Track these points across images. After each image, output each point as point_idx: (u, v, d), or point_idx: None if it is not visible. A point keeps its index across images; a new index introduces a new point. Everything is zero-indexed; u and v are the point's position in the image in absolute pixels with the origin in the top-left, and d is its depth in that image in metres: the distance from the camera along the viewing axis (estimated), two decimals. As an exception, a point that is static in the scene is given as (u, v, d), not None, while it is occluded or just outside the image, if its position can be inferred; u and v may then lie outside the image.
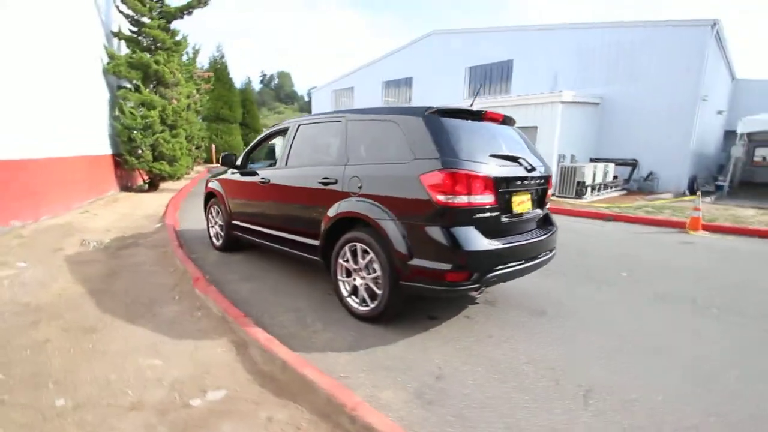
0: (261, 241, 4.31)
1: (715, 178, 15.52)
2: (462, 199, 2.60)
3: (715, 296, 3.78)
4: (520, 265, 2.92)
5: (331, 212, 3.25)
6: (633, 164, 14.57)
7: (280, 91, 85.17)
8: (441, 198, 2.59)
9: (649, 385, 2.31)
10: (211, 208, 5.27)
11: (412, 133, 2.84)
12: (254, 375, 2.30)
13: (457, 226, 2.64)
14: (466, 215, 2.65)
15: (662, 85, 13.81)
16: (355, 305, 3.17)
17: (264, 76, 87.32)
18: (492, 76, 18.29)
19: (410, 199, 2.74)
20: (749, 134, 13.59)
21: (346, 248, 3.17)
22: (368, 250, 2.98)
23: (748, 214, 8.52)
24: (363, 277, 3.08)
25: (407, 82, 21.65)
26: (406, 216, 2.76)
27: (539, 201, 3.30)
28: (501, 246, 2.74)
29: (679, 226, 7.27)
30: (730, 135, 18.80)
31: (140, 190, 10.68)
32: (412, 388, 2.24)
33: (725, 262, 5.14)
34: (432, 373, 2.40)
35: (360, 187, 3.05)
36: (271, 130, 4.48)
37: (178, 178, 11.04)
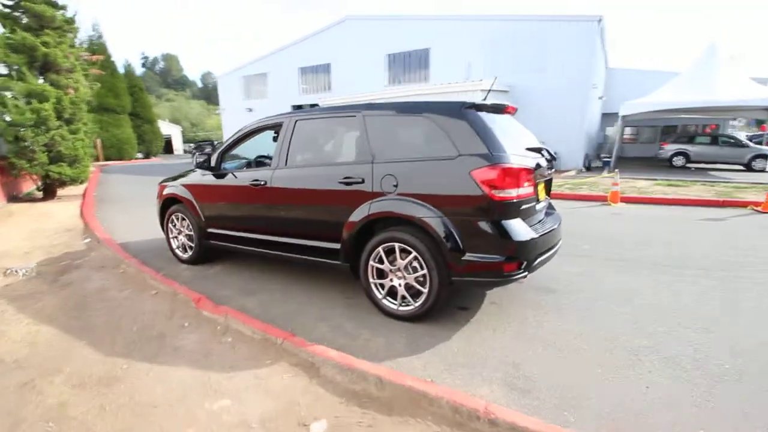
0: (254, 249, 3.93)
1: (598, 156, 18.19)
2: (513, 193, 2.70)
3: (666, 257, 4.52)
4: (549, 252, 3.14)
5: (360, 213, 3.10)
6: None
7: (166, 76, 76.47)
8: (495, 193, 2.65)
9: (670, 335, 2.72)
10: (173, 217, 4.62)
11: (453, 129, 2.83)
12: (346, 397, 2.15)
13: (508, 219, 2.74)
14: (515, 207, 2.77)
15: (561, 73, 15.56)
16: (393, 306, 3.11)
17: (146, 58, 77.40)
18: (411, 63, 18.74)
19: (460, 196, 2.75)
20: (623, 116, 16.12)
21: (380, 249, 3.07)
22: (409, 249, 2.93)
23: (644, 185, 10.22)
24: (403, 277, 3.03)
25: (325, 68, 21.10)
26: (455, 212, 2.77)
27: (548, 189, 3.57)
28: (539, 234, 2.92)
29: (601, 199, 8.44)
30: (605, 117, 22.14)
31: (32, 199, 8.86)
32: (500, 380, 2.30)
33: (653, 226, 6.13)
34: (506, 362, 2.50)
35: (396, 186, 2.96)
36: (255, 125, 4.05)
37: (82, 182, 9.39)
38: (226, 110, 25.70)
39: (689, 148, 16.34)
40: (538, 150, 3.22)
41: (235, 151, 4.33)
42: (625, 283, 3.81)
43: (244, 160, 4.72)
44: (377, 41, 19.05)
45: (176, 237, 4.70)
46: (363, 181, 3.10)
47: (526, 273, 2.85)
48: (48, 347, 2.64)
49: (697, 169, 15.33)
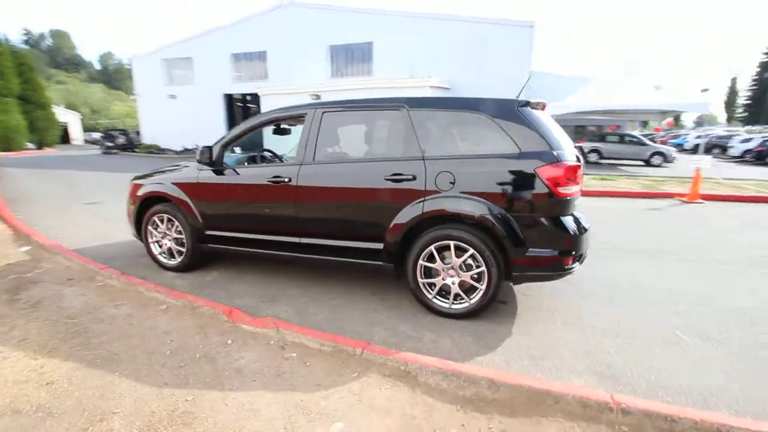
0: (270, 252, 3.59)
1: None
2: (573, 189, 2.81)
3: (638, 244, 5.08)
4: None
5: (411, 212, 2.99)
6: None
7: (56, 55, 66.15)
8: (560, 189, 2.73)
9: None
10: (154, 219, 4.02)
11: (511, 126, 2.84)
12: (460, 403, 2.06)
13: (567, 214, 2.84)
14: (573, 203, 2.88)
15: (498, 74, 16.52)
16: (444, 305, 3.06)
17: (29, 35, 66.13)
18: (354, 57, 18.51)
19: (523, 193, 2.79)
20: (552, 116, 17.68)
21: (432, 248, 3.00)
22: (465, 246, 2.90)
23: (581, 178, 11.32)
24: (457, 275, 2.99)
25: (261, 56, 19.91)
26: (517, 209, 2.80)
27: None
28: (587, 228, 3.08)
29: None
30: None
31: None
32: (586, 370, 2.39)
33: (610, 217, 6.83)
34: (577, 351, 2.60)
35: (453, 183, 2.90)
36: (269, 115, 3.66)
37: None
38: (144, 96, 23.01)
39: (601, 146, 18.46)
40: (579, 148, 3.38)
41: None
42: (621, 269, 4.19)
43: (241, 155, 4.26)
44: (318, 31, 18.48)
45: (156, 242, 4.11)
46: (414, 178, 2.99)
47: (578, 265, 3.00)
48: (73, 385, 2.13)
49: (608, 164, 17.41)
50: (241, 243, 3.71)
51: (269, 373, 2.29)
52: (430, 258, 3.04)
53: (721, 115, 59.98)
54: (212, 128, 20.78)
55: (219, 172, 3.71)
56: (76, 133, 35.27)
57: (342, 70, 18.81)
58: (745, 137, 22.49)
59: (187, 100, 21.26)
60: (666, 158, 17.46)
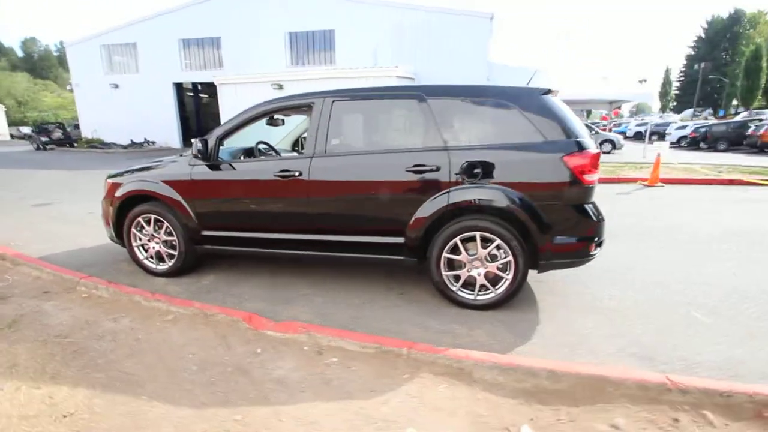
0: (276, 251, 3.38)
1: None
2: (596, 177, 2.85)
3: (624, 226, 5.35)
4: None
5: (436, 204, 2.91)
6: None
7: (-35, 39, 58.57)
8: (586, 177, 2.76)
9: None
10: (139, 221, 3.65)
11: (535, 115, 2.83)
12: (523, 397, 2.03)
13: (589, 202, 2.89)
14: (594, 190, 2.93)
15: (460, 63, 16.76)
16: (470, 297, 3.03)
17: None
18: (315, 44, 17.97)
19: (550, 181, 2.80)
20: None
21: (457, 239, 2.95)
22: (492, 237, 2.88)
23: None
24: (483, 266, 2.96)
25: (214, 42, 18.79)
26: (544, 197, 2.80)
27: None
28: (602, 215, 3.15)
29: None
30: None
31: None
32: (622, 353, 2.45)
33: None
34: (607, 335, 2.66)
35: (478, 173, 2.85)
36: (270, 105, 3.39)
37: None
38: (82, 86, 21.00)
39: (558, 134, 19.28)
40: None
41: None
42: (612, 252, 4.38)
43: (235, 148, 3.95)
44: (276, 17, 17.71)
45: (143, 245, 3.74)
46: (438, 169, 2.90)
47: (599, 250, 3.07)
48: (96, 415, 1.85)
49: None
50: (243, 243, 3.46)
51: (315, 381, 2.14)
52: (454, 250, 2.99)
53: (655, 105, 65.04)
54: (162, 119, 19.45)
55: (215, 167, 3.42)
56: (1, 128, 31.57)
57: (303, 58, 18.22)
58: (680, 125, 24.51)
59: (132, 89, 19.67)
60: (615, 145, 18.63)
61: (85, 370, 2.21)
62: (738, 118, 22.69)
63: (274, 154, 4.11)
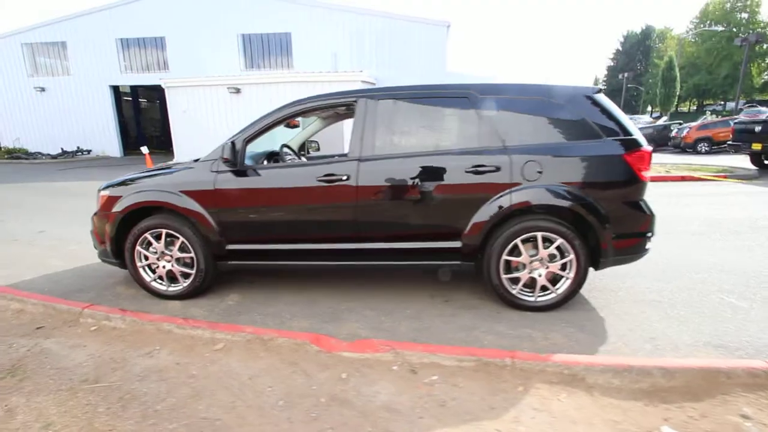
0: (319, 263, 3.11)
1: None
2: (649, 173, 2.92)
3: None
4: None
5: (496, 205, 2.81)
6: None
7: None
8: (644, 174, 2.82)
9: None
10: (146, 237, 3.17)
11: (592, 113, 2.84)
12: (647, 398, 1.97)
13: (644, 198, 2.95)
14: (647, 187, 2.99)
15: (418, 70, 17.02)
16: (530, 298, 2.97)
17: None
18: (271, 47, 17.33)
19: (611, 179, 2.82)
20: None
21: (518, 241, 2.87)
22: (553, 237, 2.84)
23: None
24: (546, 267, 2.91)
25: (157, 43, 17.44)
26: (605, 196, 2.81)
27: None
28: None
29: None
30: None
31: None
32: (698, 342, 2.50)
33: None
34: (677, 327, 2.70)
35: (540, 173, 2.79)
36: (303, 104, 3.10)
37: None
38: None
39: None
40: None
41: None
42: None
43: (257, 152, 3.57)
44: (227, 17, 16.86)
45: (150, 265, 3.26)
46: (498, 170, 2.82)
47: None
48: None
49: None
50: (277, 256, 3.12)
51: (428, 405, 1.93)
52: (511, 252, 2.91)
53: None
54: (98, 126, 17.67)
55: (243, 173, 3.06)
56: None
57: (258, 61, 17.48)
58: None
59: (62, 93, 17.65)
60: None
61: (149, 421, 1.82)
62: (660, 122, 25.23)
63: (296, 158, 3.80)
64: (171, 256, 3.20)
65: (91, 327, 2.73)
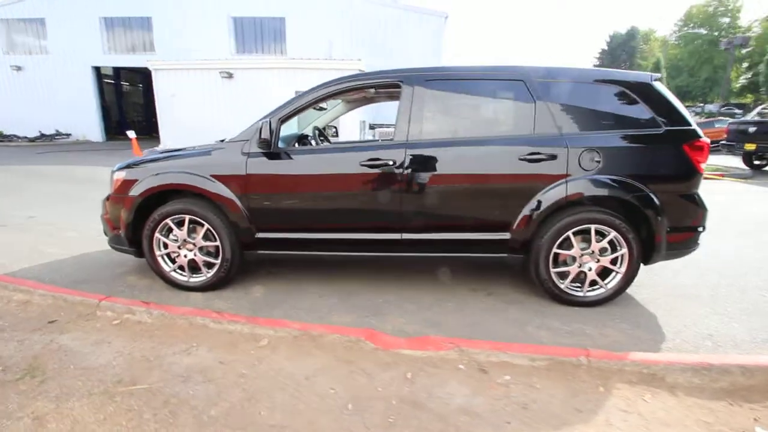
0: (356, 253, 2.91)
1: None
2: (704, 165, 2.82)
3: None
4: None
5: (552, 196, 2.67)
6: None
7: None
8: (702, 165, 2.72)
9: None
10: (167, 224, 2.91)
11: (653, 101, 2.71)
12: (728, 398, 1.87)
13: (698, 190, 2.85)
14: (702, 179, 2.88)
15: (414, 62, 16.77)
16: (579, 293, 2.85)
17: None
18: (264, 32, 16.77)
19: (670, 170, 2.72)
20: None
21: (569, 233, 2.74)
22: (606, 230, 2.72)
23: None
24: (594, 261, 2.79)
25: (143, 23, 16.65)
26: (662, 188, 2.70)
27: None
28: None
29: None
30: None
31: None
32: (756, 339, 2.44)
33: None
34: (728, 323, 2.64)
35: (598, 162, 2.66)
36: (347, 83, 2.88)
37: None
38: (-31, 66, 17.34)
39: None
40: None
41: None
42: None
43: (288, 134, 3.33)
44: None
45: (170, 254, 3.01)
46: (555, 158, 2.67)
47: None
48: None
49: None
50: (311, 245, 2.92)
51: (509, 407, 1.78)
52: (567, 244, 2.79)
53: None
54: (79, 108, 16.84)
55: (277, 156, 2.83)
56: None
57: (250, 46, 16.93)
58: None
59: (40, 73, 16.71)
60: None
61: (208, 430, 1.61)
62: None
63: (327, 142, 3.57)
64: (194, 244, 2.95)
65: (113, 321, 2.48)
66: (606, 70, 2.85)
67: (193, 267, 3.02)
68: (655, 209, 2.68)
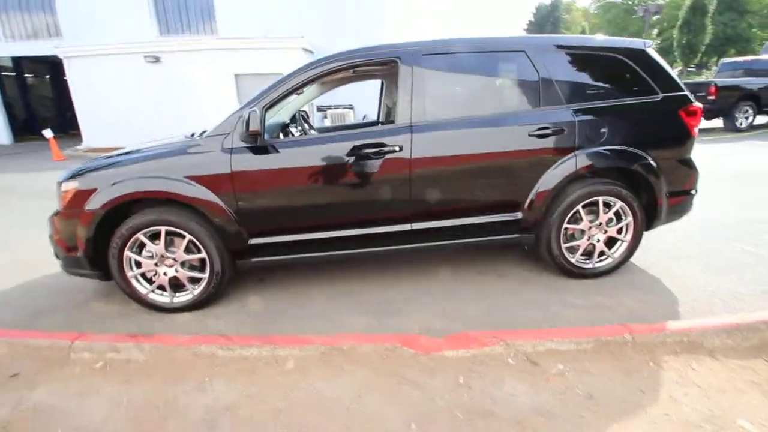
0: (363, 249, 2.68)
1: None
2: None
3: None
4: None
5: (562, 171, 2.60)
6: (351, 108, 16.82)
7: None
8: (695, 130, 2.78)
9: None
10: (138, 238, 2.48)
11: (647, 68, 2.70)
12: (762, 355, 1.94)
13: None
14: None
15: (354, 41, 16.19)
16: (589, 265, 2.85)
17: None
18: (189, 11, 15.23)
19: (668, 136, 2.75)
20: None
21: (579, 207, 2.71)
22: (612, 201, 2.72)
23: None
24: (602, 232, 2.79)
25: (45, 5, 14.41)
26: (661, 154, 2.73)
27: None
28: None
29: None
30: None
31: None
32: (756, 292, 2.59)
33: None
34: (727, 281, 2.72)
35: (603, 133, 2.63)
36: (331, 63, 2.56)
37: None
38: None
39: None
40: None
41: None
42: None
43: (271, 123, 2.93)
44: (133, -26, 14.38)
45: (144, 273, 2.59)
46: (563, 131, 2.59)
47: None
48: None
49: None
50: (313, 246, 2.64)
51: (575, 400, 1.70)
52: (576, 219, 2.76)
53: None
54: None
55: (264, 150, 2.49)
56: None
57: (175, 26, 15.32)
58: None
59: None
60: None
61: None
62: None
63: (312, 130, 3.24)
64: (174, 259, 2.55)
65: (94, 364, 2.07)
66: (603, 38, 2.79)
67: (176, 284, 2.63)
68: (656, 176, 2.71)
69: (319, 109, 14.71)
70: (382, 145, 2.47)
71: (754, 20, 31.46)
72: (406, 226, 2.64)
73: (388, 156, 2.48)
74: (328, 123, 12.50)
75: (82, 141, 13.30)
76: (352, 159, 2.49)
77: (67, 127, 16.83)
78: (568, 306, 2.52)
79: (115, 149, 3.16)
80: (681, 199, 2.87)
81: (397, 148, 2.47)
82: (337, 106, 14.08)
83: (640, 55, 2.72)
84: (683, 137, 2.76)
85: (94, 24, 14.41)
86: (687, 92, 2.76)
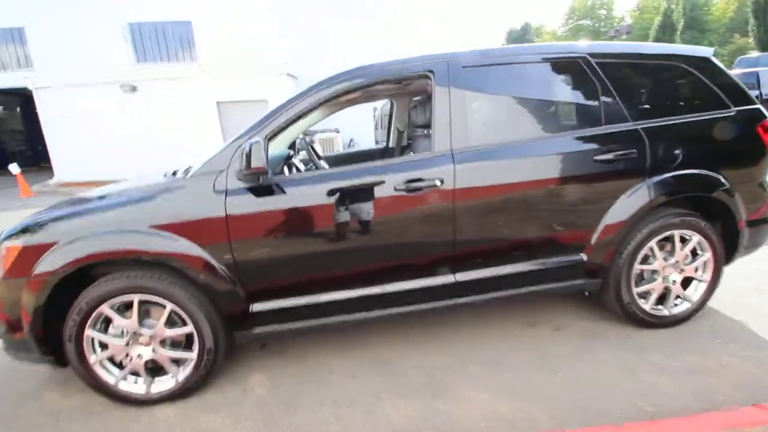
0: (403, 309, 2.12)
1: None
2: None
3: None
4: None
5: (636, 201, 2.14)
6: (337, 132, 16.42)
7: None
8: (773, 146, 2.38)
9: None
10: (102, 312, 1.88)
11: (717, 79, 2.31)
12: None
13: (766, 176, 2.52)
14: None
15: (339, 64, 15.99)
16: (665, 313, 2.36)
17: None
18: (167, 36, 14.77)
19: (745, 156, 2.34)
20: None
21: (653, 243, 2.24)
22: (688, 235, 2.26)
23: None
24: (678, 272, 2.32)
25: (15, 35, 13.77)
26: (741, 176, 2.30)
27: None
28: None
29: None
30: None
31: None
32: None
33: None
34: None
35: (678, 155, 2.19)
36: (353, 80, 2.07)
37: None
38: None
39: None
40: None
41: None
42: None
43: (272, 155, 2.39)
44: (108, 3, 13.90)
45: (113, 357, 1.98)
46: (633, 155, 2.14)
47: None
48: None
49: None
50: (336, 309, 2.08)
51: None
52: (646, 257, 2.29)
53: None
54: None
55: (268, 190, 1.94)
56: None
57: (153, 54, 14.82)
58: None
59: None
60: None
61: None
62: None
63: (321, 161, 2.71)
64: (151, 336, 1.95)
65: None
66: (666, 45, 2.40)
67: (156, 368, 2.01)
68: (737, 203, 2.28)
69: (305, 134, 14.21)
70: (420, 179, 1.96)
71: (714, 38, 32.95)
72: (449, 278, 2.11)
73: (428, 190, 1.97)
74: (319, 149, 11.96)
75: (54, 175, 12.46)
76: (385, 195, 1.97)
77: (40, 159, 15.94)
78: (660, 370, 2.04)
79: (88, 184, 2.57)
80: (759, 228, 2.44)
81: (438, 183, 1.97)
82: (323, 131, 13.64)
83: (705, 64, 2.33)
84: (761, 156, 2.35)
85: (66, 53, 13.79)
86: (759, 105, 2.37)
